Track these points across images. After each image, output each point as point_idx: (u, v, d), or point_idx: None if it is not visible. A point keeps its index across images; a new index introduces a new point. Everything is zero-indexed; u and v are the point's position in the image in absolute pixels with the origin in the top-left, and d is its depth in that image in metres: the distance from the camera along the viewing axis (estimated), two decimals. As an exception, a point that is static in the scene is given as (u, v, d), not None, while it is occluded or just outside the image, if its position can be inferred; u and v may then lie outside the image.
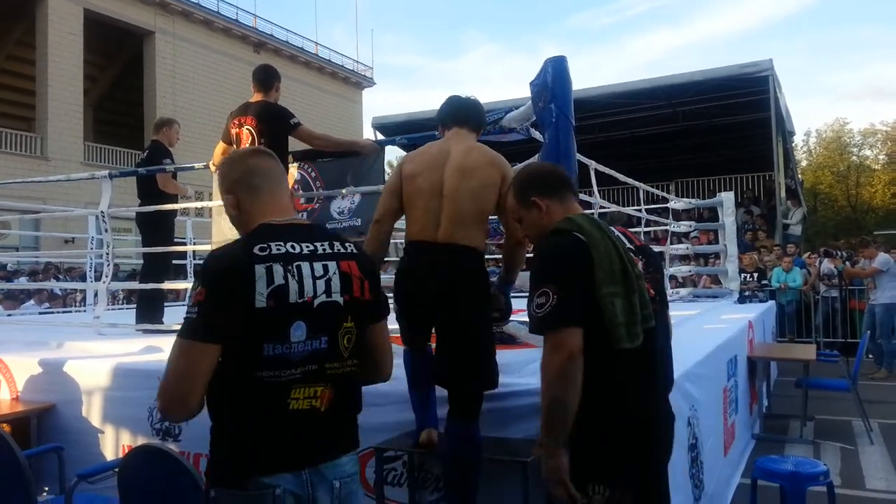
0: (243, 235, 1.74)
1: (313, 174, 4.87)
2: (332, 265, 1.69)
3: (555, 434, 1.83)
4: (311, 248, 1.69)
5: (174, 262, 6.32)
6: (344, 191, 4.59)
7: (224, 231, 5.10)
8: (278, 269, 1.60)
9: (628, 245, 2.08)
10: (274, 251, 1.62)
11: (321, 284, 1.65)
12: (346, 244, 1.78)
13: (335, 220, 4.78)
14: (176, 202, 5.49)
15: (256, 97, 4.20)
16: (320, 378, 1.64)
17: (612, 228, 2.08)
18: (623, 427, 1.89)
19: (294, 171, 5.13)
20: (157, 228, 5.30)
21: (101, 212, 5.11)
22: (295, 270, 1.62)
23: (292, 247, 1.66)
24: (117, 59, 26.95)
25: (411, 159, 2.82)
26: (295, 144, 4.31)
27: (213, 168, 4.77)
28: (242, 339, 1.57)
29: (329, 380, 1.66)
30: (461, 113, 2.89)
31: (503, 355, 3.25)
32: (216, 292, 1.56)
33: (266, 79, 4.21)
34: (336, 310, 1.67)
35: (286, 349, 1.59)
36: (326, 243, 1.73)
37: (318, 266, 1.67)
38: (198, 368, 1.56)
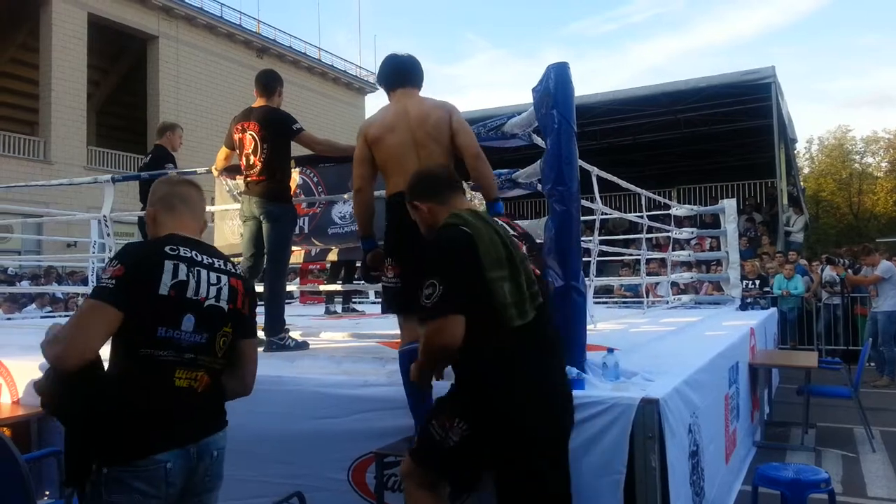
0: (154, 238, 2.08)
1: (315, 179, 4.88)
2: (224, 278, 2.04)
3: (424, 368, 2.25)
4: (210, 261, 2.03)
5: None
6: (346, 196, 4.59)
7: (226, 236, 5.12)
8: (182, 268, 1.93)
9: (512, 232, 2.29)
10: (181, 253, 1.97)
11: (213, 290, 1.99)
12: (230, 264, 2.12)
13: (337, 225, 4.79)
14: None
15: (259, 102, 4.20)
16: (199, 367, 1.96)
17: (497, 219, 2.30)
18: (523, 394, 2.10)
19: (296, 176, 5.14)
20: None
21: (104, 216, 5.12)
22: (195, 272, 1.96)
23: (195, 255, 2.00)
24: (121, 64, 27.05)
25: (372, 125, 3.07)
26: (298, 150, 4.31)
27: (215, 173, 4.78)
28: (142, 318, 1.86)
29: (204, 369, 1.98)
30: (402, 74, 3.14)
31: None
32: (132, 272, 1.86)
33: (269, 83, 4.21)
34: (220, 314, 2.01)
35: (176, 335, 1.91)
36: (222, 262, 2.08)
37: (213, 275, 2.01)
38: (102, 328, 1.83)
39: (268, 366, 3.54)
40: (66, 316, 9.15)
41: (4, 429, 3.38)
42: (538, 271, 2.23)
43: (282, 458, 3.10)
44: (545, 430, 2.13)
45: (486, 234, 2.11)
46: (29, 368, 3.92)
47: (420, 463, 2.28)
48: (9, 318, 8.53)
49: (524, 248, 2.25)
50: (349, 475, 2.96)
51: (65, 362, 1.81)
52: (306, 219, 5.05)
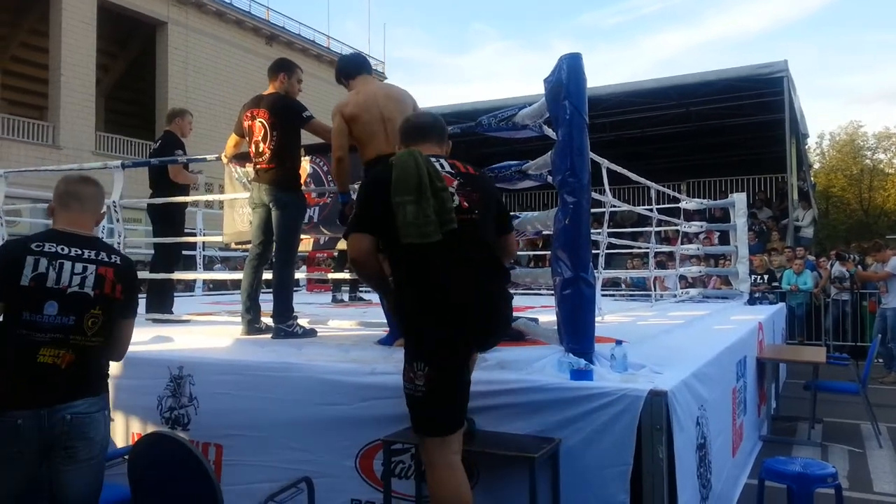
0: (25, 236, 2.48)
1: (325, 168, 4.87)
2: (91, 267, 2.38)
3: (376, 288, 2.70)
4: (79, 252, 2.39)
5: (184, 252, 6.35)
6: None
7: (235, 223, 5.13)
8: (43, 261, 2.32)
9: (448, 169, 2.52)
10: (46, 249, 2.35)
11: (77, 279, 2.34)
12: (113, 256, 2.46)
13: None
14: (187, 193, 5.51)
15: (270, 89, 4.21)
16: (64, 345, 2.32)
17: (440, 158, 2.56)
18: (437, 312, 2.37)
19: (306, 165, 5.13)
20: (168, 219, 5.32)
21: (113, 202, 5.13)
22: (57, 265, 2.33)
23: (62, 249, 2.37)
24: (129, 49, 27.03)
25: (347, 105, 3.81)
26: (308, 138, 4.31)
27: (224, 160, 4.78)
28: (9, 305, 2.30)
29: (71, 347, 2.33)
30: (360, 64, 4.12)
31: (510, 352, 3.26)
32: (3, 269, 2.30)
33: (273, 67, 4.28)
34: (85, 299, 2.36)
35: (39, 318, 2.30)
36: (94, 252, 2.42)
37: (78, 266, 2.36)
38: None
39: (276, 353, 3.57)
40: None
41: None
42: (466, 204, 2.45)
43: (290, 444, 3.11)
44: (444, 332, 2.37)
45: (402, 166, 2.40)
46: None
47: (424, 431, 2.40)
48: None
49: (455, 183, 2.48)
50: (357, 462, 2.97)
51: None
52: (317, 208, 5.03)
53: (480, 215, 2.49)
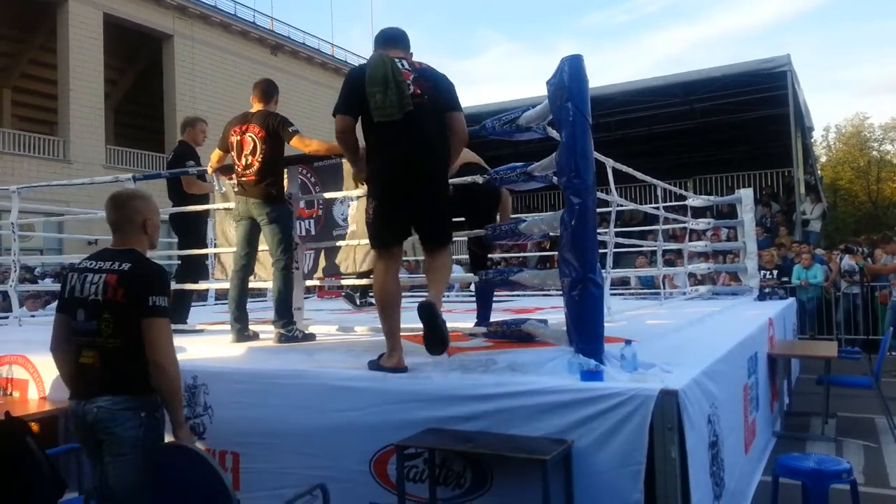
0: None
1: (313, 180, 4.91)
2: (101, 276, 2.67)
3: (350, 157, 3.51)
4: (101, 265, 2.70)
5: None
6: (342, 194, 4.61)
7: (227, 234, 5.19)
8: (74, 276, 2.73)
9: (407, 66, 3.27)
10: (80, 265, 2.76)
11: (93, 287, 2.66)
12: (124, 264, 2.68)
13: (341, 227, 4.82)
14: (207, 202, 5.56)
15: (257, 107, 4.32)
16: (93, 346, 2.66)
17: (402, 60, 3.30)
18: (381, 167, 3.29)
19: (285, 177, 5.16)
20: (187, 229, 5.38)
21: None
22: (82, 278, 2.69)
23: (91, 264, 2.73)
24: (137, 63, 27.27)
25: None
26: (290, 151, 4.39)
27: (210, 171, 4.85)
28: (68, 315, 2.73)
29: (97, 348, 2.65)
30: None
31: (521, 354, 3.28)
32: (61, 286, 2.80)
33: (269, 90, 4.40)
34: (97, 304, 2.64)
35: (76, 324, 2.69)
36: (110, 263, 2.69)
37: (94, 276, 2.68)
38: (57, 329, 2.79)
39: (288, 360, 3.61)
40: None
41: (33, 424, 3.45)
42: (419, 91, 3.22)
43: (304, 450, 3.14)
44: (389, 180, 3.28)
45: (374, 66, 3.19)
46: (55, 365, 4.00)
47: (372, 245, 3.41)
48: (32, 315, 8.65)
49: (411, 77, 3.23)
50: (371, 467, 3.00)
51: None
52: (311, 221, 5.08)
53: (430, 99, 3.26)
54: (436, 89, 3.29)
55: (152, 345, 2.62)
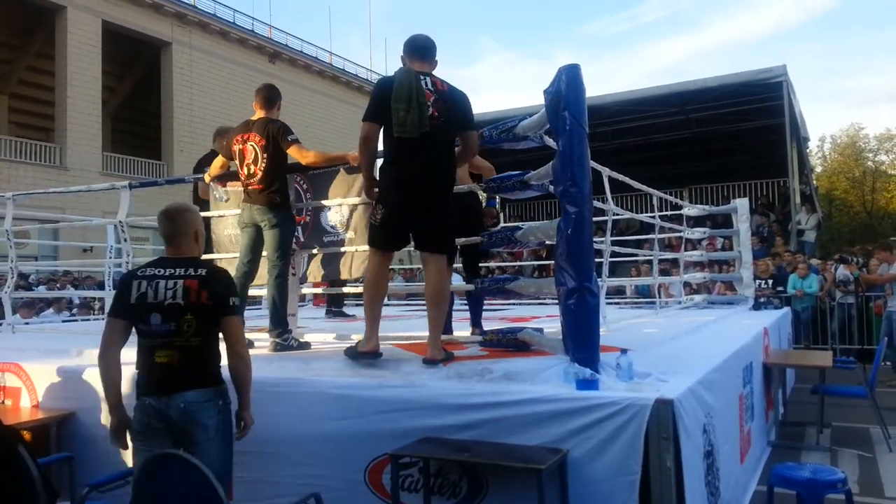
0: (136, 266, 3.09)
1: (305, 186, 4.92)
2: (179, 282, 2.84)
3: (365, 161, 3.68)
4: (171, 272, 2.87)
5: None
6: (338, 202, 4.62)
7: (224, 244, 5.21)
8: (143, 283, 2.86)
9: (430, 87, 3.46)
10: (147, 273, 2.90)
11: (170, 293, 2.83)
12: (200, 269, 2.89)
13: (330, 234, 4.82)
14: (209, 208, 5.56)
15: (259, 115, 4.30)
16: (171, 346, 2.82)
17: (426, 77, 3.48)
18: (398, 181, 3.51)
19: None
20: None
21: (120, 221, 5.18)
22: (154, 284, 2.85)
23: (158, 271, 2.89)
24: (135, 70, 27.26)
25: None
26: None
27: (207, 178, 4.85)
28: (130, 320, 2.88)
29: (177, 348, 2.82)
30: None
31: (517, 363, 3.28)
32: (118, 293, 2.95)
33: (271, 97, 4.36)
34: (178, 308, 2.82)
35: (149, 328, 2.83)
36: (182, 269, 2.88)
37: (170, 283, 2.85)
38: (113, 334, 2.90)
39: (283, 368, 3.60)
40: (86, 320, 9.29)
41: (25, 433, 3.43)
42: (437, 113, 3.44)
43: (299, 459, 3.13)
44: (401, 195, 3.51)
45: (401, 82, 3.40)
46: (48, 372, 3.98)
47: (371, 244, 3.63)
48: (26, 323, 8.62)
49: (432, 98, 3.43)
50: (366, 476, 2.99)
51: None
52: (299, 227, 5.09)
53: (445, 121, 3.48)
54: (451, 111, 3.50)
55: (234, 338, 2.90)
